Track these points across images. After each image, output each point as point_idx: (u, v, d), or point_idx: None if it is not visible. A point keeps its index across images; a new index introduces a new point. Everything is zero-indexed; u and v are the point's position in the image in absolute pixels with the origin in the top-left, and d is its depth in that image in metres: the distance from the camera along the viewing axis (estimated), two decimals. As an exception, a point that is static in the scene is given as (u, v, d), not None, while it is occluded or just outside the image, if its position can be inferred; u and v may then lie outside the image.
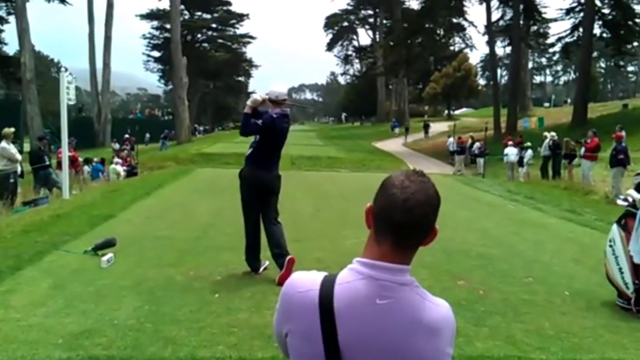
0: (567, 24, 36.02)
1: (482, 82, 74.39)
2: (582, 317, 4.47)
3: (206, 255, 6.07)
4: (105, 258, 5.60)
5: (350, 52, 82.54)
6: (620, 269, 4.66)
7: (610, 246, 4.79)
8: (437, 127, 46.77)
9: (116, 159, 20.03)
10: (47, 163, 13.11)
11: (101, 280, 5.05)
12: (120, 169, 19.38)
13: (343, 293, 1.16)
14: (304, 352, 1.19)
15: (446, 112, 65.63)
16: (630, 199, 4.76)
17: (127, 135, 33.57)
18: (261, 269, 5.42)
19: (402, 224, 1.16)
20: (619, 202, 4.98)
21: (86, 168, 17.97)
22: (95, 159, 19.86)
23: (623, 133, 14.72)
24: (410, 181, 1.19)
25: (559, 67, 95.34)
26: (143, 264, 5.67)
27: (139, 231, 7.32)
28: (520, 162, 19.54)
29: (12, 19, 39.54)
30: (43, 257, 5.84)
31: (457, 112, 70.31)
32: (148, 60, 68.08)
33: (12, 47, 43.80)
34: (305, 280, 1.22)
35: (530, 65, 73.66)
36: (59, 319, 4.09)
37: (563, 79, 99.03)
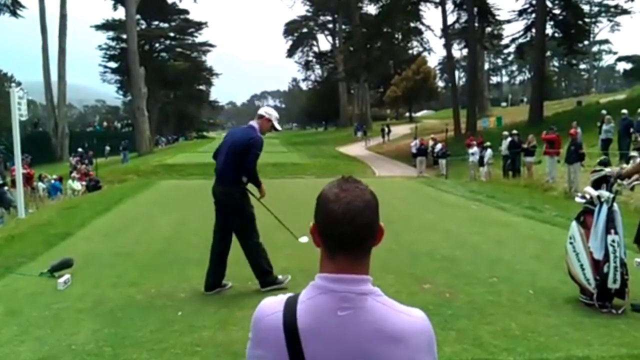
0: (520, 25, 36.85)
1: (441, 84, 75.68)
2: (547, 316, 4.52)
3: (169, 271, 5.92)
4: (61, 280, 5.39)
5: (310, 58, 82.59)
6: (581, 265, 4.73)
7: (571, 243, 4.86)
8: (399, 129, 47.28)
9: (73, 174, 19.48)
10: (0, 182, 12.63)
11: (58, 304, 4.85)
12: (78, 185, 18.87)
13: (306, 310, 1.14)
14: None
15: (407, 114, 66.41)
16: (587, 196, 4.85)
17: (80, 150, 32.72)
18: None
19: (349, 235, 1.15)
20: (577, 199, 5.06)
21: (41, 185, 17.39)
22: (54, 176, 19.28)
23: (578, 129, 15.16)
24: (344, 191, 1.17)
25: (515, 67, 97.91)
26: (102, 284, 5.48)
27: (98, 249, 7.10)
28: (480, 162, 19.88)
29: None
30: (-5, 281, 5.59)
31: (418, 114, 71.21)
32: (105, 72, 66.62)
33: (-40, 62, 42.33)
34: (272, 304, 1.20)
35: (486, 66, 75.41)
36: (13, 347, 3.91)
37: (519, 78, 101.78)
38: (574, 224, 4.90)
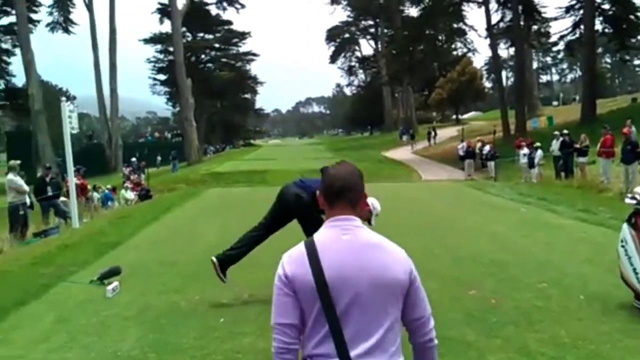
0: (568, 21, 35.67)
1: (488, 84, 74.10)
2: (599, 322, 4.31)
3: (211, 279, 5.95)
4: (110, 287, 5.54)
5: (353, 63, 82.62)
6: (634, 269, 4.50)
7: (623, 246, 4.64)
8: (446, 132, 46.59)
9: (126, 184, 20.11)
10: (51, 193, 13.15)
11: (106, 311, 4.99)
12: (131, 194, 19.46)
13: (320, 237, 1.76)
14: (301, 282, 1.68)
15: (454, 116, 65.36)
16: (638, 197, 4.61)
17: (133, 159, 33.75)
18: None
19: (341, 187, 1.78)
20: (627, 200, 4.81)
21: (95, 195, 18.04)
22: (107, 187, 19.97)
23: (633, 128, 14.49)
24: (339, 165, 1.88)
25: (565, 65, 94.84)
26: (148, 292, 5.61)
27: (145, 257, 7.27)
28: (531, 163, 19.27)
29: (18, 51, 40.20)
30: (49, 289, 5.80)
31: (465, 116, 70.02)
32: (154, 84, 68.77)
33: (19, 79, 44.52)
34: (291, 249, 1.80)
35: (535, 65, 73.47)
36: (61, 354, 4.04)
37: (570, 76, 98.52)
38: (625, 226, 4.67)
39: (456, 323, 4.38)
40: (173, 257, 7.16)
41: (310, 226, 4.88)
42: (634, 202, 4.67)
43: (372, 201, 5.05)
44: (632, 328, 4.16)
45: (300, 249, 1.74)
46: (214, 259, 5.22)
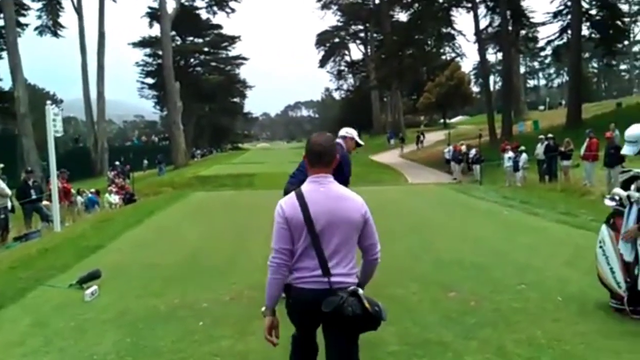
0: (556, 26, 36.07)
1: (476, 89, 74.60)
2: (575, 323, 4.35)
3: (193, 282, 5.96)
4: (88, 291, 5.49)
5: (343, 68, 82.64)
6: (611, 268, 4.54)
7: (601, 247, 4.68)
8: (433, 136, 46.78)
9: (110, 188, 19.96)
10: (34, 197, 13.02)
11: (83, 315, 4.94)
12: (115, 198, 19.31)
13: (305, 189, 2.54)
14: (295, 220, 2.47)
15: (442, 120, 65.67)
16: (617, 198, 4.66)
17: (117, 163, 33.48)
18: None
19: (320, 151, 2.56)
20: (607, 202, 4.85)
21: (79, 199, 17.88)
22: (92, 190, 19.81)
23: (616, 132, 14.65)
24: (318, 135, 2.66)
25: (552, 70, 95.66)
26: (127, 295, 5.56)
27: (127, 260, 7.22)
28: (515, 167, 19.41)
29: (4, 54, 39.73)
30: (26, 293, 5.74)
31: (453, 120, 70.38)
32: (143, 87, 68.42)
33: (6, 83, 43.97)
34: (287, 196, 2.61)
35: (522, 69, 73.98)
36: (37, 358, 4.01)
37: (557, 81, 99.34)
38: (603, 227, 4.72)
39: (435, 325, 4.40)
40: (155, 260, 7.11)
41: None
42: (614, 203, 4.71)
43: (348, 131, 5.73)
44: (607, 328, 4.20)
45: (292, 197, 2.53)
46: None
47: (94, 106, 45.70)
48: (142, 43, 62.66)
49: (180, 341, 4.24)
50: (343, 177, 5.23)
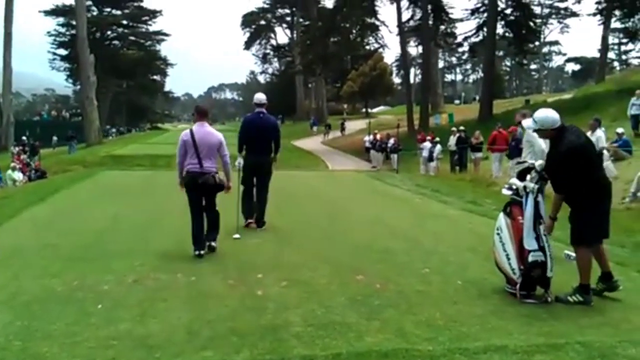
0: (473, 24, 37.63)
1: (397, 80, 76.50)
2: (472, 305, 4.56)
3: (95, 263, 5.69)
4: (-23, 272, 5.10)
5: (268, 51, 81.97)
6: (507, 255, 4.80)
7: (498, 234, 4.93)
8: (356, 124, 47.57)
9: (13, 164, 18.66)
10: None
11: (-31, 297, 4.57)
12: (19, 175, 18.10)
13: (194, 128, 6.16)
14: (187, 141, 6.06)
15: (364, 110, 66.88)
16: (514, 187, 4.92)
17: (24, 138, 31.37)
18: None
19: (201, 110, 6.38)
20: (504, 191, 5.13)
21: (-24, 174, 16.58)
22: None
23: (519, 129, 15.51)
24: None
25: (469, 66, 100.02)
26: (22, 276, 5.22)
27: (25, 241, 6.77)
28: (430, 157, 20.17)
29: None
30: None
31: (374, 109, 71.82)
32: (54, 59, 64.40)
33: None
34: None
35: (441, 64, 76.71)
36: None
37: (472, 77, 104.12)
38: (501, 215, 4.98)
39: (340, 307, 4.47)
40: (56, 241, 6.71)
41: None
42: (510, 192, 4.98)
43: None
44: (502, 310, 4.45)
45: (187, 132, 6.08)
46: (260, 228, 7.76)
47: (0, 77, 42.38)
48: (55, 11, 58.91)
49: (75, 324, 4.02)
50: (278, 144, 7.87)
